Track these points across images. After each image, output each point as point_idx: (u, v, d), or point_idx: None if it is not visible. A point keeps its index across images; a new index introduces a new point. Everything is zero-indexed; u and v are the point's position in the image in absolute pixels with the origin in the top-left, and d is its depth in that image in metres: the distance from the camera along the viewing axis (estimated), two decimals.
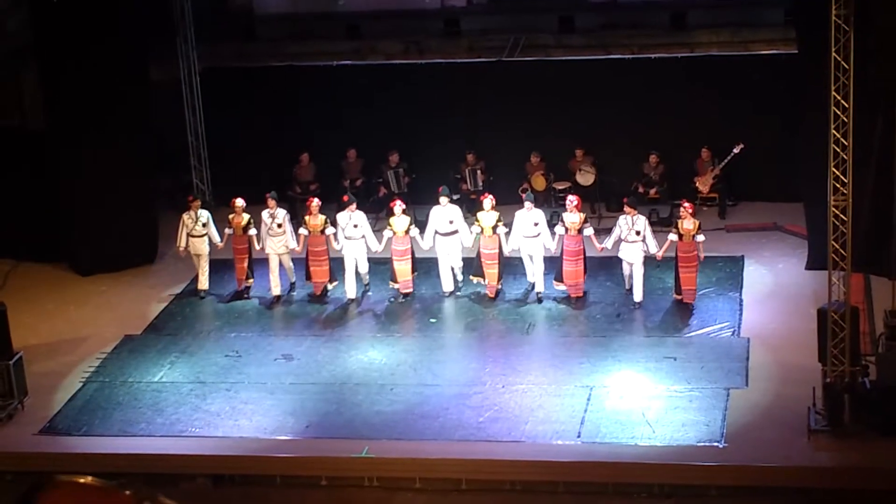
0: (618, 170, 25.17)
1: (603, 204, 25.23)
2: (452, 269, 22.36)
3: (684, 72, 25.43)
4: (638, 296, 21.52)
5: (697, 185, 25.01)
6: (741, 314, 21.03)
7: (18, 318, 20.40)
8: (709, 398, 18.32)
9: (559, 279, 21.85)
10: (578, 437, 17.50)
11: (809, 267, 22.04)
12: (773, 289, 21.98)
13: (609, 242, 21.69)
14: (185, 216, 22.72)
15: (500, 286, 22.20)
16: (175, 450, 17.85)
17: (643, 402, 18.25)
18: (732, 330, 20.50)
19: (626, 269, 21.89)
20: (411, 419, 18.28)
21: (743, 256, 23.23)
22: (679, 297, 21.39)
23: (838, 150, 16.80)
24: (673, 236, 21.31)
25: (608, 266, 22.66)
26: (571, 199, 21.82)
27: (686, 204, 21.48)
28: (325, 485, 17.56)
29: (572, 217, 21.54)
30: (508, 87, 25.91)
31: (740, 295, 21.75)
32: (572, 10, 27.73)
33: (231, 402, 19.07)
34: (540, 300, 21.86)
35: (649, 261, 21.65)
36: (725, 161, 24.60)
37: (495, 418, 18.14)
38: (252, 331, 21.53)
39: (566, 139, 25.35)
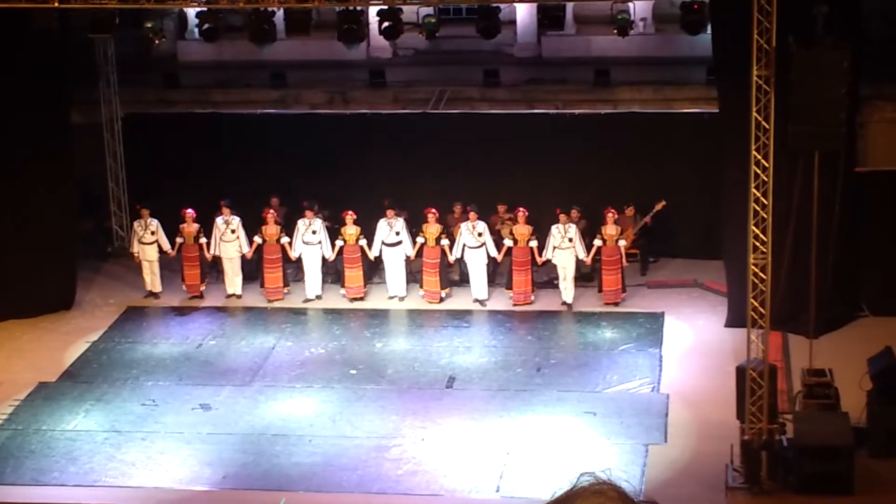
0: (539, 224, 25.19)
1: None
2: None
3: (607, 128, 25.58)
4: (569, 297, 23.41)
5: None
6: (661, 370, 21.11)
7: None
8: (628, 454, 18.34)
9: (509, 286, 23.66)
10: (497, 491, 17.46)
11: (729, 324, 22.17)
12: (692, 346, 22.10)
13: (548, 253, 23.37)
14: (135, 224, 24.67)
15: (444, 294, 23.86)
16: (88, 500, 17.55)
17: (562, 457, 18.23)
18: (652, 386, 20.57)
19: (560, 273, 23.38)
20: (329, 471, 18.14)
21: (663, 313, 23.35)
22: (604, 298, 23.40)
23: (758, 208, 16.98)
24: (598, 241, 23.30)
25: (530, 319, 22.89)
26: (520, 211, 23.51)
27: (611, 212, 23.27)
28: None
29: (521, 229, 23.47)
30: (433, 138, 25.92)
31: (660, 351, 21.85)
32: (497, 64, 27.93)
33: (147, 451, 18.82)
34: (483, 304, 23.58)
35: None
36: (647, 217, 24.71)
37: (414, 471, 18.04)
38: (169, 379, 21.27)
39: (489, 193, 25.34)
